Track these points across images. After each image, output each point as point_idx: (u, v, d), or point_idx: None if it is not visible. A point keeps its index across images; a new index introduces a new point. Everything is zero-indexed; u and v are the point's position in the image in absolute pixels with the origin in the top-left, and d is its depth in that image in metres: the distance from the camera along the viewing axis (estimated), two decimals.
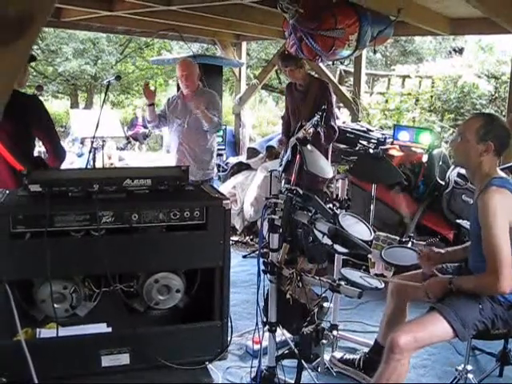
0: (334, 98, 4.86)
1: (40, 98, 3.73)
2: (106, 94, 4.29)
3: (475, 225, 2.59)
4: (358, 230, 2.78)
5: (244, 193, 6.20)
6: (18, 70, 0.87)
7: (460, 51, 12.00)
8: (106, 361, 2.52)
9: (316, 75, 5.55)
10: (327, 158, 4.48)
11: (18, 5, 0.77)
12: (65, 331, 2.49)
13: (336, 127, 4.65)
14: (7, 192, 2.60)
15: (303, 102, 4.70)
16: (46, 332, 2.53)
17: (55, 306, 2.44)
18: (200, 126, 4.74)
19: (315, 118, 3.97)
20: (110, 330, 2.60)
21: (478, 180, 2.68)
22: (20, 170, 3.13)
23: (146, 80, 4.44)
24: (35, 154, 3.62)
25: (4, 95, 0.87)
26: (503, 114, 7.08)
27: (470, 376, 2.96)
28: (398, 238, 3.76)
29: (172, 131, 4.96)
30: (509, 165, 3.63)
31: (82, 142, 10.14)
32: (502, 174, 2.64)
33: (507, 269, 2.40)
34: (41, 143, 3.62)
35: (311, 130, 4.18)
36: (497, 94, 7.84)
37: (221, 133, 7.23)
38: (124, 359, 2.53)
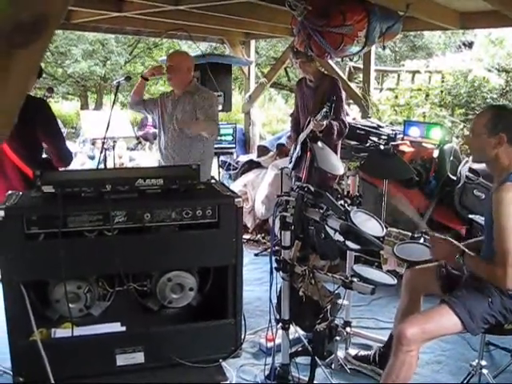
0: (344, 95, 4.85)
1: (50, 99, 3.74)
2: (115, 94, 4.30)
3: (489, 218, 2.58)
4: (370, 226, 2.78)
5: (255, 191, 6.20)
6: (33, 73, 0.89)
7: (470, 45, 11.91)
8: (121, 360, 2.54)
9: (326, 72, 5.54)
10: (336, 154, 4.47)
11: (33, 8, 0.79)
12: (79, 331, 2.51)
13: (346, 122, 4.64)
14: (20, 193, 2.62)
15: (313, 98, 4.70)
16: (61, 332, 2.55)
17: (70, 305, 2.46)
18: (188, 131, 4.15)
19: (324, 110, 3.96)
20: (124, 329, 2.62)
21: (497, 173, 2.66)
22: (28, 173, 3.16)
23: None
24: (43, 156, 3.64)
25: (21, 97, 0.88)
26: None
27: (485, 371, 2.95)
28: (410, 233, 3.75)
29: (160, 129, 4.37)
30: None
31: (94, 144, 10.18)
32: None
33: None
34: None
35: (325, 122, 4.17)
36: (508, 88, 7.77)
37: (231, 131, 7.24)
38: (139, 358, 2.55)
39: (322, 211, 2.73)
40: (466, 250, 2.63)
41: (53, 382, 2.28)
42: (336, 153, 4.54)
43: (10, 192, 2.69)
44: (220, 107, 5.29)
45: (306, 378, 2.96)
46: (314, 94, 4.71)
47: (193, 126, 4.10)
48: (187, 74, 4.19)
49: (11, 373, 2.50)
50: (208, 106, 4.15)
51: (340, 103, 4.57)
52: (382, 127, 5.40)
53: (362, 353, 3.36)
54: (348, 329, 3.52)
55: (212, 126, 4.13)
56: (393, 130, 5.28)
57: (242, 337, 2.71)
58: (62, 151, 3.54)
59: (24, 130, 3.16)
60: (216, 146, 4.91)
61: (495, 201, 2.50)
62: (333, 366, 3.23)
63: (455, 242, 2.70)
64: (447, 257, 2.72)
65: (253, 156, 7.13)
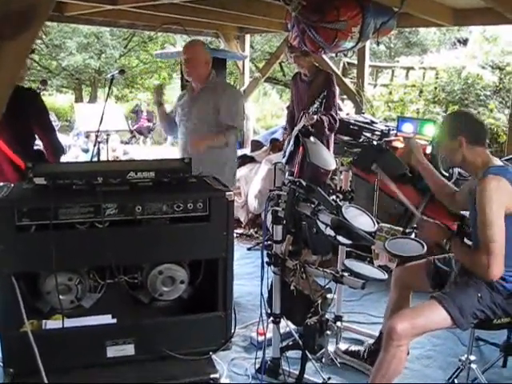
0: (338, 90, 4.86)
1: (44, 92, 3.75)
2: (110, 88, 4.28)
3: (474, 213, 2.62)
4: (362, 221, 2.80)
5: (248, 185, 6.21)
6: (22, 63, 0.89)
7: (464, 42, 11.93)
8: (112, 352, 2.54)
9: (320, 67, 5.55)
10: (329, 149, 4.49)
11: (21, 0, 0.79)
12: (70, 322, 2.51)
13: (337, 117, 4.65)
14: (12, 185, 2.61)
15: (307, 93, 4.71)
16: (52, 323, 2.55)
17: (61, 297, 2.46)
18: (208, 129, 3.87)
19: (315, 105, 3.97)
20: (114, 321, 2.62)
21: (473, 173, 2.74)
22: (21, 165, 3.16)
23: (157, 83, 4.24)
24: (35, 147, 3.64)
25: (9, 87, 0.89)
26: (507, 105, 7.05)
27: (474, 366, 2.98)
28: (401, 229, 3.77)
29: (178, 129, 4.12)
30: (510, 157, 3.65)
31: (88, 137, 10.15)
32: (501, 163, 2.65)
33: (499, 256, 2.45)
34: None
35: (315, 116, 4.19)
36: (501, 85, 7.79)
37: None
38: (129, 350, 2.55)
39: (313, 206, 2.74)
40: (454, 236, 2.72)
41: (43, 372, 2.28)
42: (328, 148, 4.56)
43: (1, 184, 2.69)
44: None
45: (297, 372, 2.98)
46: (308, 89, 4.72)
47: (202, 145, 3.78)
48: (205, 67, 3.88)
49: (1, 364, 2.50)
50: (232, 102, 3.88)
51: (332, 98, 4.59)
52: (376, 123, 5.41)
53: (353, 348, 3.39)
54: (339, 323, 3.54)
55: (229, 134, 3.84)
56: (386, 126, 5.30)
57: (233, 330, 2.72)
58: (54, 144, 3.55)
59: (16, 122, 3.16)
60: None
61: (478, 193, 2.55)
62: (323, 360, 3.25)
63: (444, 226, 2.75)
64: (434, 237, 2.80)
65: (246, 151, 7.13)
